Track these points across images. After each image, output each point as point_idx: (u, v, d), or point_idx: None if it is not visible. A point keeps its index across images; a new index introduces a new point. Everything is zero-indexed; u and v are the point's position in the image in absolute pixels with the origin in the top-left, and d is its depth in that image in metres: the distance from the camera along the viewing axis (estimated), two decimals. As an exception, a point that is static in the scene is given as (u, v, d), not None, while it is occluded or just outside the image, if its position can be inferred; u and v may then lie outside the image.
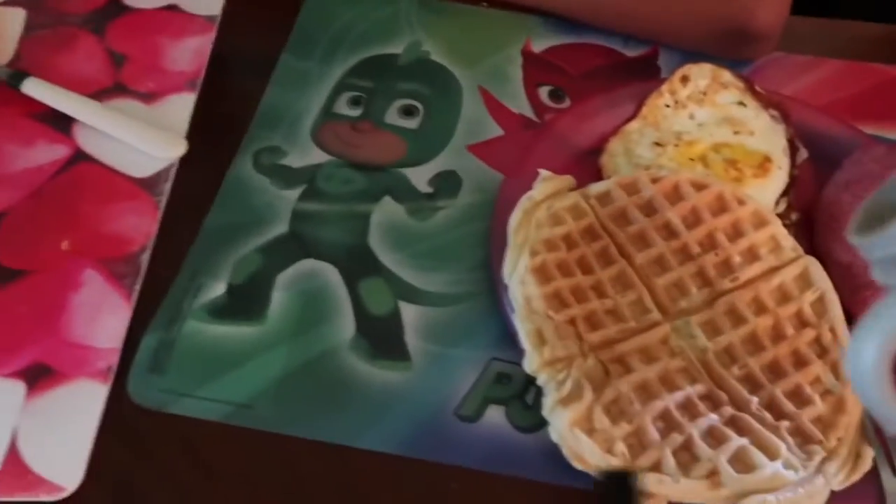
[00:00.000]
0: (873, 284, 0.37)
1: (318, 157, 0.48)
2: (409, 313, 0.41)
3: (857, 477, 0.33)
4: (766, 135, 0.45)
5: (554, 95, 0.50)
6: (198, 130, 0.48)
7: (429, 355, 0.39)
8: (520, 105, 0.50)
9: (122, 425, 0.37)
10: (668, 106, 0.46)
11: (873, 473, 0.33)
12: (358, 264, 0.43)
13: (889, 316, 0.21)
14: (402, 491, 0.35)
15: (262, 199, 0.45)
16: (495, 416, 0.37)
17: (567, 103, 0.49)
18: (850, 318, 0.37)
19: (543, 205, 0.41)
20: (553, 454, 0.34)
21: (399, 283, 0.42)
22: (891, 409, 0.22)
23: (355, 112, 0.50)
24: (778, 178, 0.43)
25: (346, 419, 0.37)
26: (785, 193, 0.43)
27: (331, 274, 0.43)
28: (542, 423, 0.35)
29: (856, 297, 0.38)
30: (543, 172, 0.42)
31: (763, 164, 0.44)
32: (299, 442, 0.37)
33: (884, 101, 0.48)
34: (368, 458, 0.36)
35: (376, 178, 0.47)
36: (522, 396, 0.38)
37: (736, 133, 0.45)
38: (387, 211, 0.45)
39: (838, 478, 0.33)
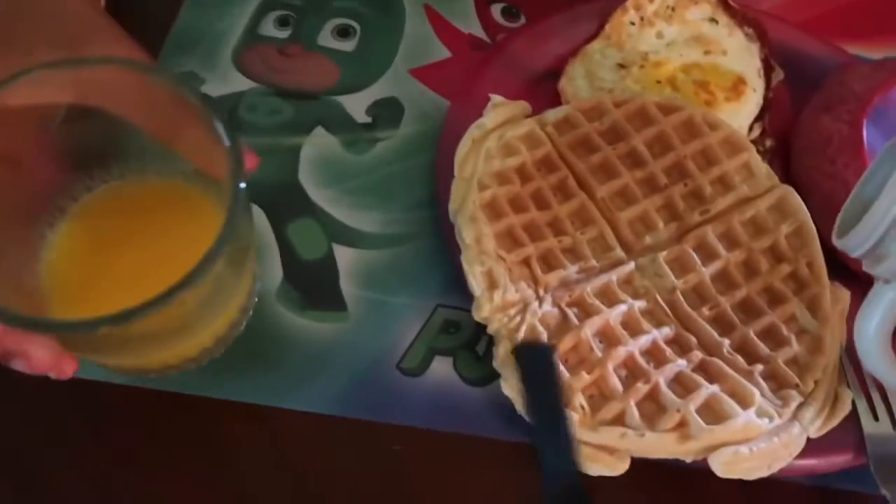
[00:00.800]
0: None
1: (240, 83, 0.43)
2: (345, 257, 0.37)
3: (835, 422, 0.31)
4: (739, 54, 0.42)
5: (507, 13, 0.45)
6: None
7: (367, 303, 0.36)
8: (469, 24, 0.45)
9: (7, 392, 0.32)
10: (633, 23, 0.42)
11: (851, 420, 0.31)
12: (286, 204, 0.39)
13: (877, 302, 0.25)
14: (336, 455, 0.32)
15: (175, 133, 0.40)
16: (442, 368, 0.34)
17: (522, 22, 0.45)
18: (831, 251, 0.35)
19: (494, 133, 0.37)
20: (505, 408, 0.31)
21: (333, 224, 0.38)
22: (889, 373, 0.26)
23: (283, 33, 0.45)
24: (752, 101, 0.40)
25: (273, 378, 0.34)
26: (759, 118, 0.40)
27: (256, 215, 0.38)
28: (494, 375, 0.32)
29: (835, 228, 0.36)
30: (495, 98, 0.38)
31: (736, 86, 0.40)
32: (218, 404, 0.33)
33: (866, 17, 0.45)
34: (298, 420, 0.33)
35: (307, 108, 0.42)
36: (472, 346, 0.34)
37: (707, 53, 0.41)
38: (319, 144, 0.41)
39: (815, 424, 0.31)
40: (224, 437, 0.33)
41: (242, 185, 0.25)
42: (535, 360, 0.20)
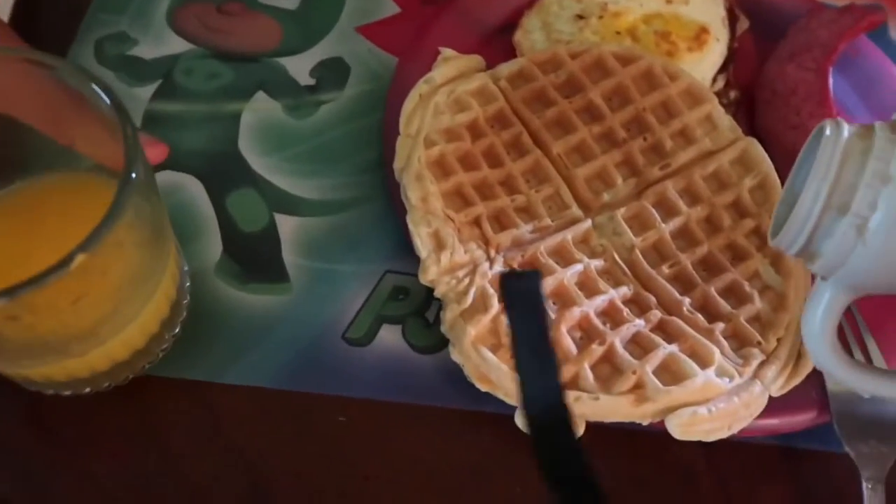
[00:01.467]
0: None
1: (175, 45, 0.42)
2: (287, 226, 0.36)
3: (797, 380, 0.31)
4: (702, 3, 0.41)
5: (460, -35, 0.44)
6: (23, 15, 0.41)
7: (311, 273, 0.35)
8: (420, -22, 0.44)
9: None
10: (591, -28, 0.41)
11: (814, 377, 0.31)
12: (226, 174, 0.38)
13: (818, 300, 0.25)
14: (278, 429, 0.31)
15: (105, 99, 0.39)
16: (390, 336, 0.33)
17: (476, -26, 0.44)
18: (794, 205, 0.35)
19: (444, 88, 0.36)
20: (455, 376, 0.30)
21: (274, 193, 0.37)
22: (838, 369, 0.26)
23: (222, -9, 0.44)
24: (715, 51, 0.40)
25: (213, 353, 0.33)
26: (723, 69, 0.40)
27: (193, 187, 0.37)
28: (444, 343, 0.31)
29: (800, 180, 0.35)
30: (445, 51, 0.38)
31: (699, 36, 0.40)
32: (154, 382, 0.32)
33: (834, -38, 0.45)
34: (239, 395, 0.32)
35: (247, 71, 0.41)
36: (422, 313, 0.34)
37: (669, 2, 0.41)
38: (260, 109, 0.40)
39: (777, 383, 0.31)
40: (161, 415, 0.32)
41: (133, 174, 0.25)
42: (522, 289, 0.19)
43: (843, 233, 0.23)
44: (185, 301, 0.33)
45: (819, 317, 0.25)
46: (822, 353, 0.25)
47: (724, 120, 0.36)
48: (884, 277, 0.23)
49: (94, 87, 0.26)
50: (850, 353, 0.31)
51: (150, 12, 0.43)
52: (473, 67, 0.38)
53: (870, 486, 0.29)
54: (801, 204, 0.24)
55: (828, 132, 0.24)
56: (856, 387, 0.26)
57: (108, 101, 0.25)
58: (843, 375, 0.26)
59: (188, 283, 0.33)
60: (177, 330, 0.32)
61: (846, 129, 0.24)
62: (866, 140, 0.23)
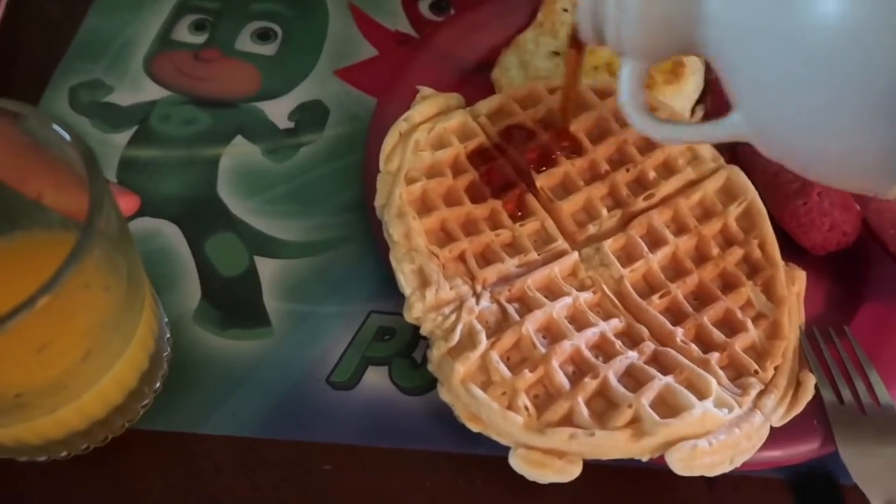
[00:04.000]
0: (803, 193, 0.35)
1: (152, 92, 0.42)
2: (268, 269, 0.36)
3: (798, 409, 0.30)
4: (677, 37, 0.42)
5: (436, 8, 0.45)
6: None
7: (293, 316, 0.34)
8: (397, 21, 0.45)
9: None
10: (565, 10, 0.42)
11: (815, 405, 0.31)
12: (204, 219, 0.37)
13: (624, 74, 0.29)
14: (258, 481, 0.30)
15: (79, 147, 0.39)
16: (376, 379, 0.32)
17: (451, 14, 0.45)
18: (780, 232, 0.35)
19: (423, 126, 0.36)
20: (445, 417, 0.29)
21: (254, 236, 0.37)
22: (647, 125, 0.30)
23: (199, 38, 0.44)
24: (692, 83, 0.40)
25: (190, 402, 0.32)
26: (701, 100, 0.40)
27: (170, 233, 0.37)
28: (433, 383, 0.30)
29: (785, 207, 0.36)
30: (423, 90, 0.38)
31: (675, 69, 0.40)
32: (126, 437, 0.31)
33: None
34: (215, 445, 0.31)
35: (225, 116, 0.41)
36: (409, 353, 0.33)
37: (644, 37, 0.42)
38: (239, 153, 0.40)
39: (778, 412, 0.30)
40: (138, 472, 0.31)
41: (100, 214, 0.24)
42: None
43: (610, 12, 0.28)
44: (165, 353, 0.32)
45: (626, 86, 0.29)
46: (634, 115, 0.29)
47: (706, 149, 0.36)
48: (654, 41, 0.28)
49: (58, 128, 0.25)
50: (851, 384, 0.31)
51: (126, 60, 0.43)
52: (452, 105, 0.38)
53: (880, 517, 0.28)
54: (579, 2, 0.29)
55: None
56: (667, 138, 0.30)
57: (67, 137, 0.25)
58: (654, 131, 0.29)
59: (168, 335, 0.32)
60: (157, 385, 0.31)
61: None
62: None
